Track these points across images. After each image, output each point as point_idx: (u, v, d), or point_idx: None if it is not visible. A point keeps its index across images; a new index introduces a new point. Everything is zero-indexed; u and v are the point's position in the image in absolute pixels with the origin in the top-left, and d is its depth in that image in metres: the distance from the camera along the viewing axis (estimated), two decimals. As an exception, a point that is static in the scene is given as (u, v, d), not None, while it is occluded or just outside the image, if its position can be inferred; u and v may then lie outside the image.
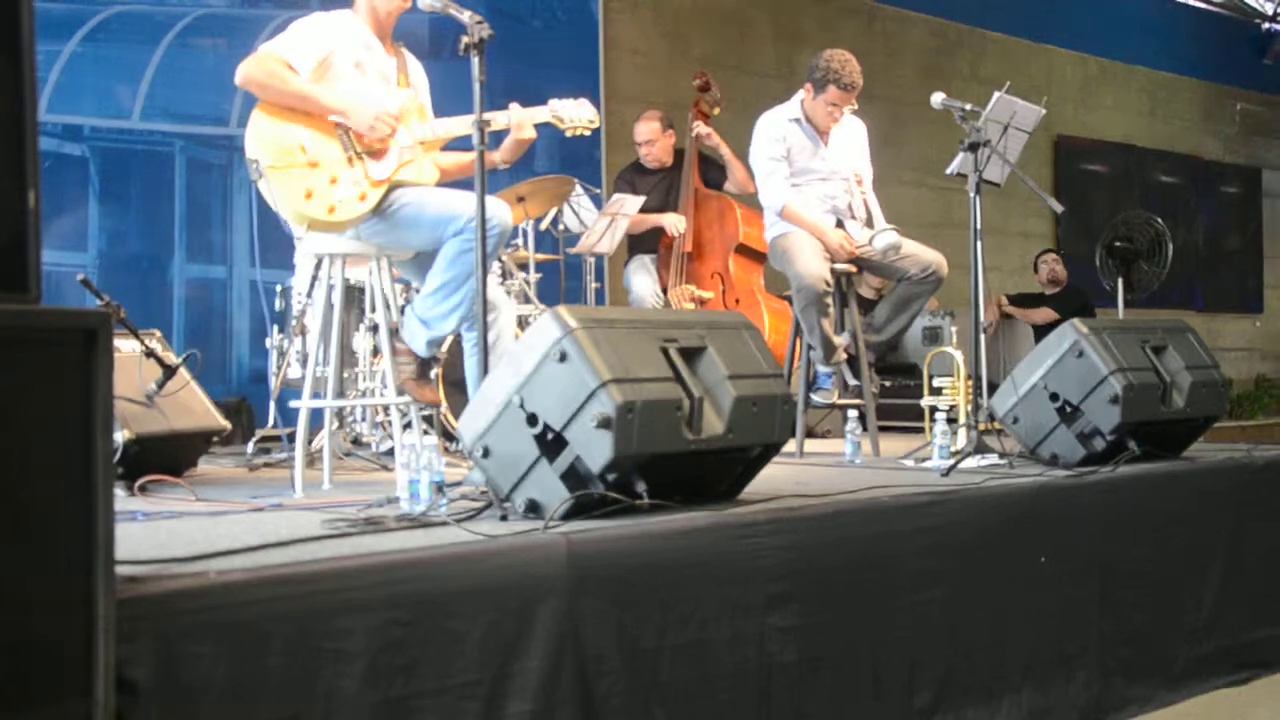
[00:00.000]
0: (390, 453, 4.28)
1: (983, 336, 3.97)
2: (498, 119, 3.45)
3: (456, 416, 3.66)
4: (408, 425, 3.65)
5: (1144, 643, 3.31)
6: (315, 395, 3.47)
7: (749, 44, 8.43)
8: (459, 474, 3.14)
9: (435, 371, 3.77)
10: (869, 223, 4.41)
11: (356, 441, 4.65)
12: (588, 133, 3.66)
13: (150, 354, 3.51)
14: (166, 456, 3.44)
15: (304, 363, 4.39)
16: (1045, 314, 7.35)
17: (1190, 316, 9.11)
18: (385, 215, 3.43)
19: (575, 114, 3.62)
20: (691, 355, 2.63)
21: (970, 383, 4.10)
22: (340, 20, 3.55)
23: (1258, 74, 12.32)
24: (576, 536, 2.21)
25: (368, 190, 3.39)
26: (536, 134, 3.57)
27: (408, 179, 3.47)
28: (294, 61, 3.38)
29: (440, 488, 2.51)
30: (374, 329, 3.80)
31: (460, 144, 3.66)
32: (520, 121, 3.53)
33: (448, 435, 4.40)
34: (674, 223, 5.54)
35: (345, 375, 4.42)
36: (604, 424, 2.32)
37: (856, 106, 4.61)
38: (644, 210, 5.53)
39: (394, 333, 3.57)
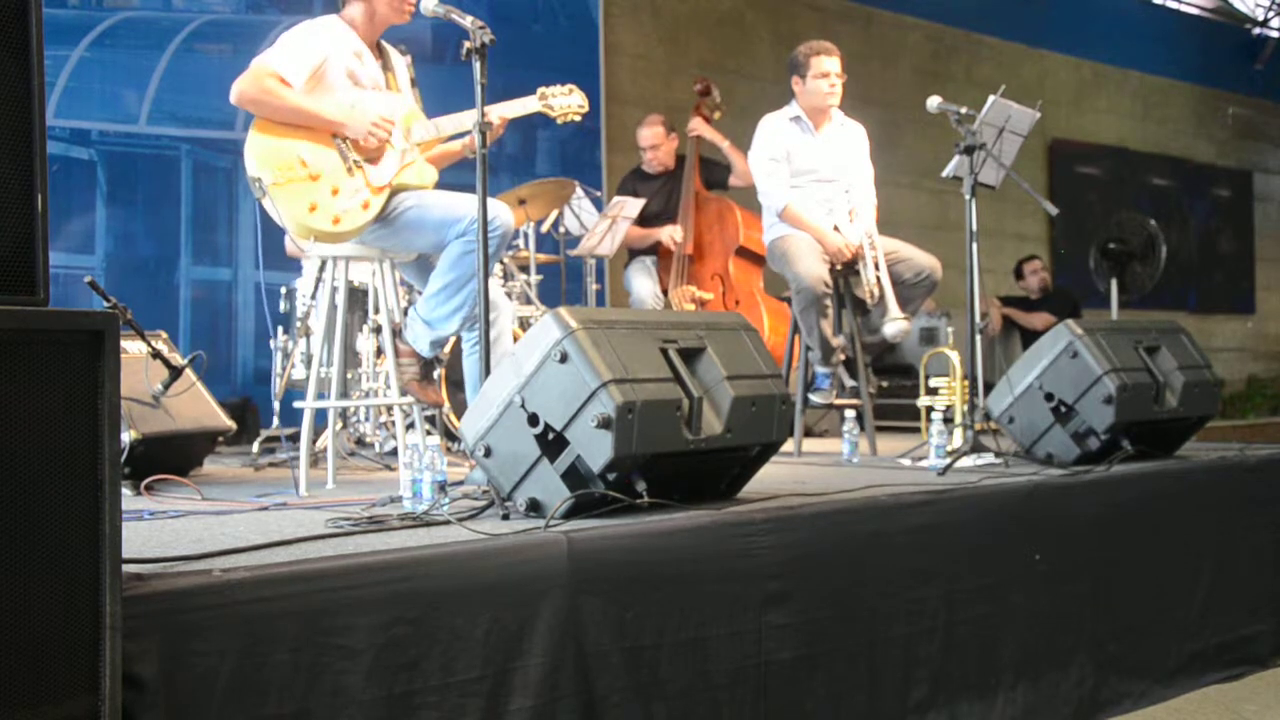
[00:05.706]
0: (393, 453, 4.31)
1: (986, 336, 3.96)
2: (491, 113, 3.43)
3: (459, 416, 3.68)
4: (410, 425, 3.67)
5: (1137, 639, 3.33)
6: (319, 396, 3.49)
7: (747, 48, 8.46)
8: (461, 473, 3.17)
9: (438, 372, 3.79)
10: (880, 304, 4.34)
11: (360, 441, 4.69)
12: (578, 118, 3.66)
13: (156, 355, 3.53)
14: (172, 456, 3.47)
15: (308, 364, 4.43)
16: (1045, 319, 7.35)
17: (1183, 317, 9.14)
18: (389, 220, 3.45)
19: (564, 100, 3.63)
20: (691, 356, 2.65)
21: (966, 383, 4.12)
22: (329, 27, 3.49)
23: (1249, 78, 12.36)
24: (577, 535, 2.22)
25: (370, 198, 3.40)
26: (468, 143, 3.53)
27: (408, 182, 3.49)
28: (287, 75, 3.34)
29: (442, 487, 2.54)
30: (377, 330, 3.82)
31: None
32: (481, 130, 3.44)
33: (450, 435, 4.43)
34: (670, 234, 5.56)
35: (349, 376, 4.45)
36: (604, 424, 2.34)
37: (845, 78, 4.62)
38: (646, 214, 5.55)
39: (397, 334, 3.59)
